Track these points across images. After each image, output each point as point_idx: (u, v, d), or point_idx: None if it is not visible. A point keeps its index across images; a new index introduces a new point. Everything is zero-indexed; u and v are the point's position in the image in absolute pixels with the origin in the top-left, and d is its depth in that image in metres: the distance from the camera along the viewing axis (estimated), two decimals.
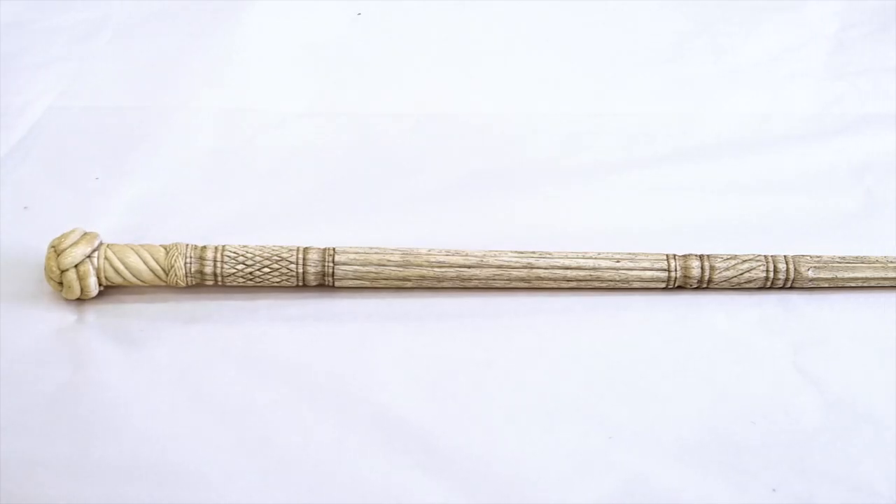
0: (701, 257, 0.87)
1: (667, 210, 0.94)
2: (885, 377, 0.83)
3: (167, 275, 0.83)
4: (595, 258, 0.86)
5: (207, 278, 0.83)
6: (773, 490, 0.75)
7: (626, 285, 0.86)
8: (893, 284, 0.88)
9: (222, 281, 0.84)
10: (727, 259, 0.87)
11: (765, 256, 0.87)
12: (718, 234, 0.92)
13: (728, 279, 0.87)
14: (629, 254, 0.86)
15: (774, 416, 0.79)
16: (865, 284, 0.88)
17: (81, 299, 0.83)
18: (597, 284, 0.86)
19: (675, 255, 0.87)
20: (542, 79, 1.06)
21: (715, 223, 0.94)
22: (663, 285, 0.87)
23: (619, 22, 1.13)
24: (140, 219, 0.91)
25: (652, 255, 0.87)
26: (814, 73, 1.09)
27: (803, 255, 0.88)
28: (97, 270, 0.82)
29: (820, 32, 1.13)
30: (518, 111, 1.02)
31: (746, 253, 0.88)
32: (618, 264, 0.86)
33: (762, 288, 0.88)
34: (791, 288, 0.88)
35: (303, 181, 0.95)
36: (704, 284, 0.87)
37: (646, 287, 0.87)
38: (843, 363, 0.83)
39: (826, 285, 0.88)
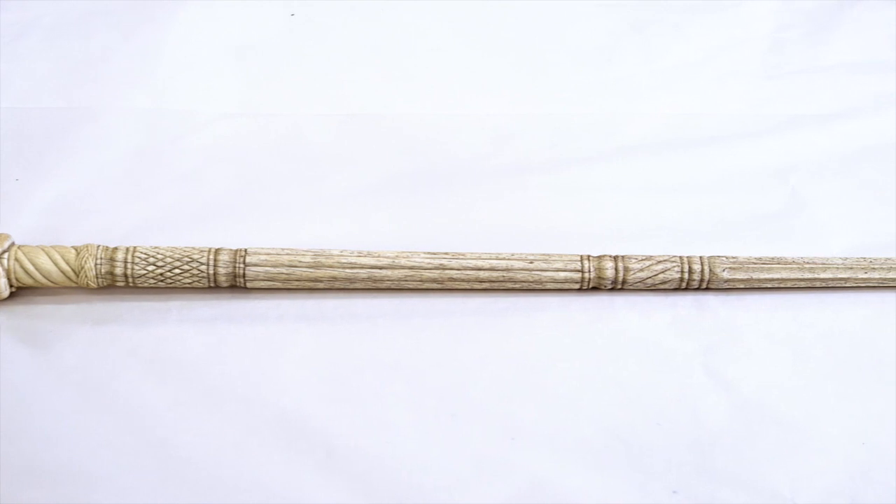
0: (615, 258, 0.87)
1: (588, 211, 0.94)
2: (795, 379, 0.82)
3: (78, 276, 0.83)
4: (508, 259, 0.86)
5: (118, 280, 0.83)
6: (674, 492, 0.75)
7: (539, 286, 0.86)
8: (809, 286, 0.88)
9: (133, 282, 0.83)
10: (642, 260, 0.87)
11: (680, 257, 0.87)
12: (640, 235, 0.92)
13: (642, 280, 0.87)
14: (543, 255, 0.86)
15: (680, 418, 0.79)
16: (781, 285, 0.88)
17: None
18: (510, 286, 0.86)
19: (589, 257, 0.86)
20: (468, 79, 1.06)
21: (636, 224, 0.94)
22: (577, 286, 0.86)
23: (550, 22, 1.13)
24: (59, 220, 0.91)
25: (566, 256, 0.86)
26: (745, 74, 1.09)
27: (719, 257, 0.88)
28: (7, 272, 0.82)
29: (754, 33, 1.13)
30: (442, 112, 1.02)
31: (665, 254, 0.87)
32: (531, 265, 0.86)
33: (677, 289, 0.88)
34: (707, 289, 0.88)
35: (225, 182, 0.95)
36: (619, 285, 0.87)
37: (560, 288, 0.87)
38: (753, 365, 0.83)
39: (742, 286, 0.88)
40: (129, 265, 0.83)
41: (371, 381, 0.80)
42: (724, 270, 0.87)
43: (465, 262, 0.85)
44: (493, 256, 0.86)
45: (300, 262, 0.84)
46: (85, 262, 0.82)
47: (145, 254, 0.83)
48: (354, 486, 0.74)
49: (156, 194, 0.94)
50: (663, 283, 0.87)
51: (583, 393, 0.80)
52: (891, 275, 0.88)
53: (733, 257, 0.88)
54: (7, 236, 0.83)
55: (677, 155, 1.00)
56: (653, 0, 1.15)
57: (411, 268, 0.85)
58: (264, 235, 0.89)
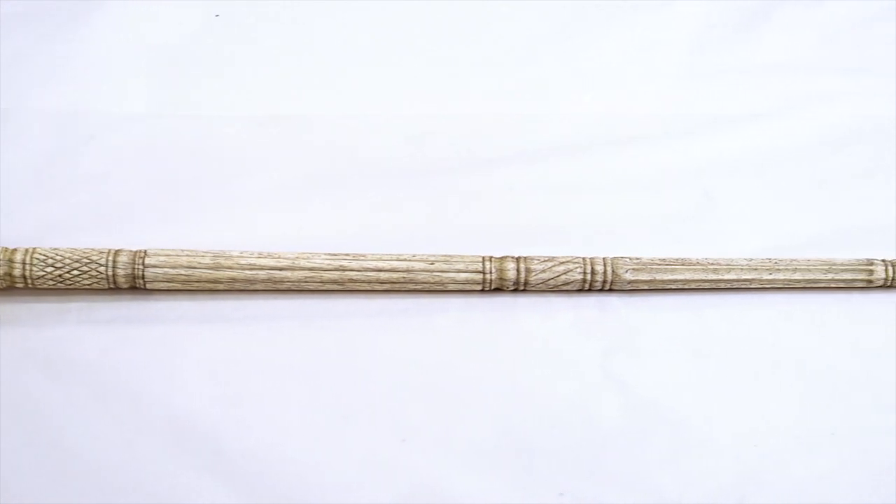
0: (518, 259, 0.86)
1: (500, 212, 0.94)
2: (693, 380, 0.82)
3: None
4: (409, 260, 0.85)
5: (17, 281, 0.83)
6: (561, 494, 0.75)
7: (441, 287, 0.86)
8: (713, 287, 0.88)
9: (32, 284, 0.83)
10: (544, 261, 0.87)
11: (583, 259, 0.87)
12: (551, 236, 0.92)
13: (545, 281, 0.86)
14: (444, 256, 0.86)
15: (574, 420, 0.79)
16: (685, 287, 0.88)
17: None
18: (411, 287, 0.86)
19: (491, 258, 0.86)
20: (383, 80, 1.06)
21: (546, 225, 0.93)
22: (479, 287, 0.86)
23: (470, 21, 1.12)
24: None
25: (467, 257, 0.86)
26: (666, 74, 1.08)
27: (622, 258, 0.87)
28: None
29: (677, 33, 1.12)
30: (356, 113, 1.02)
31: (571, 255, 0.87)
32: (432, 266, 0.86)
33: (581, 290, 0.87)
34: (610, 290, 0.88)
35: (135, 183, 0.95)
36: (521, 287, 0.86)
37: (462, 289, 0.86)
38: (651, 366, 0.83)
39: (646, 287, 0.88)
40: (27, 266, 0.83)
41: (266, 383, 0.80)
42: (627, 272, 0.87)
43: (365, 264, 0.85)
44: (394, 258, 0.86)
45: (199, 263, 0.84)
46: None
47: (44, 255, 0.83)
48: (242, 487, 0.74)
49: (65, 196, 0.93)
50: (566, 284, 0.87)
51: (478, 394, 0.80)
52: (796, 276, 0.88)
53: (637, 258, 0.88)
54: None
55: (591, 155, 0.99)
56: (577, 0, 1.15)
57: (311, 269, 0.85)
58: (175, 237, 0.88)
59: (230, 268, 0.84)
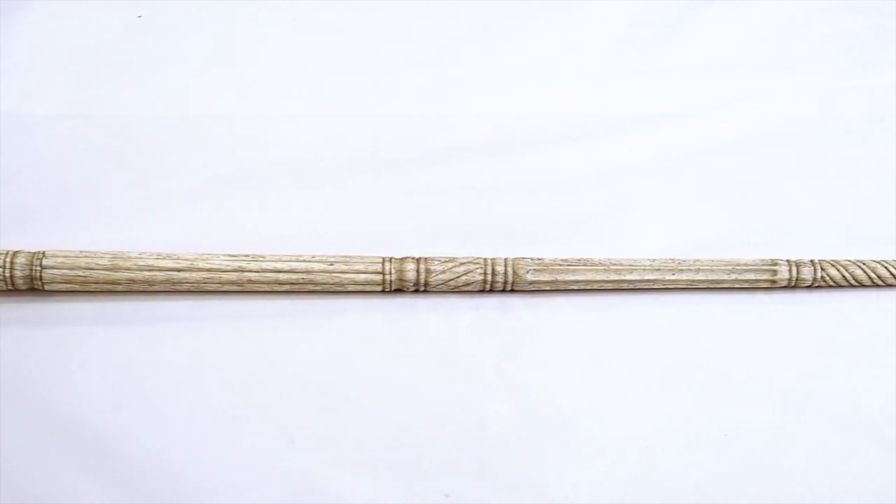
0: (418, 260, 0.86)
1: (410, 212, 0.94)
2: (589, 382, 0.82)
3: None
4: (308, 261, 0.85)
5: None
6: (446, 495, 0.75)
7: (341, 288, 0.86)
8: (616, 287, 0.88)
9: None
10: (444, 262, 0.86)
11: (484, 259, 0.87)
12: (459, 237, 0.92)
13: (445, 282, 0.86)
14: (344, 257, 0.86)
15: (465, 422, 0.79)
16: (588, 287, 0.88)
17: None
18: (311, 288, 0.86)
19: (391, 258, 0.86)
20: (295, 80, 1.05)
21: (455, 225, 0.93)
22: (380, 288, 0.86)
23: (391, 22, 1.11)
24: None
25: (367, 258, 0.86)
26: (586, 74, 1.08)
27: (524, 258, 0.87)
28: None
29: (602, 32, 1.12)
30: (268, 113, 1.01)
31: (472, 256, 0.87)
32: (331, 267, 0.85)
33: (483, 291, 0.87)
34: (512, 291, 0.87)
35: (47, 184, 0.94)
36: (422, 287, 0.86)
37: (362, 290, 0.86)
38: (548, 368, 0.83)
39: (547, 288, 0.87)
40: None
41: (159, 384, 0.80)
42: (528, 272, 0.87)
43: (264, 265, 0.85)
44: (293, 259, 0.85)
45: (97, 264, 0.84)
46: None
47: None
48: (123, 488, 0.74)
49: None
50: (466, 284, 0.87)
51: (372, 396, 0.80)
52: (699, 276, 0.88)
53: (539, 259, 0.87)
54: None
55: (504, 156, 0.99)
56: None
57: (209, 270, 0.84)
58: (86, 237, 0.88)
59: (128, 269, 0.84)
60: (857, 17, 1.15)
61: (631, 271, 0.88)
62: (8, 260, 0.83)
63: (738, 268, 0.88)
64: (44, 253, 0.84)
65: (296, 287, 0.86)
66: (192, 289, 0.85)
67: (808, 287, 0.89)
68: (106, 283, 0.84)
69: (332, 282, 0.86)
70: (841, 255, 0.90)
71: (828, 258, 0.90)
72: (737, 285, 0.89)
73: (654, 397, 0.82)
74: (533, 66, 1.09)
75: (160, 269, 0.84)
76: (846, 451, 0.79)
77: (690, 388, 0.82)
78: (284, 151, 0.98)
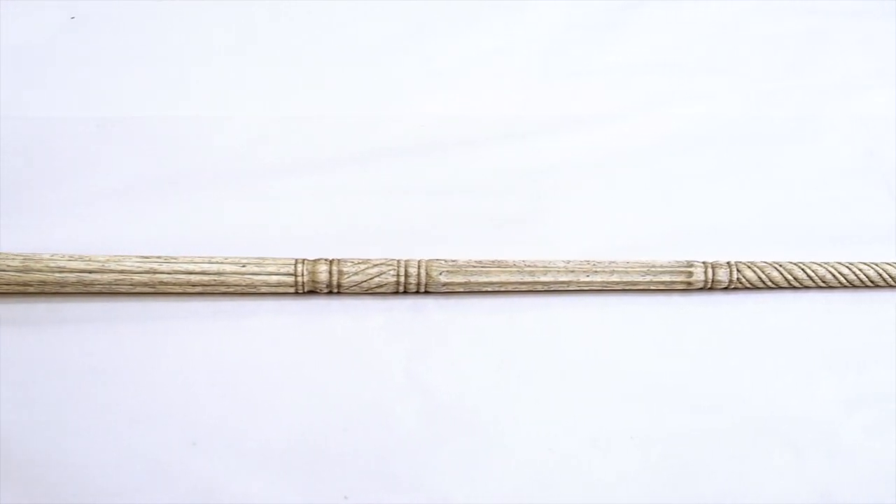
0: (330, 262, 0.86)
1: (325, 214, 0.94)
2: (498, 384, 0.82)
3: None
4: (221, 263, 0.85)
5: None
6: (345, 497, 0.75)
7: (254, 290, 0.86)
8: (530, 289, 0.88)
9: None
10: (357, 263, 0.86)
11: (397, 261, 0.87)
12: (378, 238, 0.92)
13: (358, 284, 0.86)
14: (256, 258, 0.86)
15: (370, 423, 0.79)
16: (502, 289, 0.88)
17: None
18: (223, 289, 0.86)
19: (304, 260, 0.86)
20: (228, 81, 1.05)
21: (375, 226, 0.93)
22: (292, 290, 0.86)
23: (319, 23, 1.11)
24: None
25: (280, 259, 0.86)
26: (515, 76, 1.08)
27: (437, 260, 0.87)
28: None
29: (539, 33, 1.12)
30: (200, 114, 1.01)
31: (385, 257, 0.87)
32: (243, 269, 0.85)
33: (397, 292, 0.87)
34: (427, 292, 0.87)
35: None
36: (335, 289, 0.86)
37: (274, 292, 0.86)
38: (457, 370, 0.83)
39: (461, 290, 0.87)
40: None
41: (67, 385, 0.80)
42: (441, 274, 0.87)
43: (175, 266, 0.85)
44: (206, 260, 0.85)
45: (9, 265, 0.84)
46: None
47: None
48: (30, 489, 0.74)
49: None
50: (379, 286, 0.87)
51: (278, 397, 0.80)
52: (613, 278, 0.88)
53: (453, 261, 0.87)
54: None
55: (425, 157, 0.99)
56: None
57: (121, 271, 0.84)
58: (7, 239, 0.88)
59: (40, 270, 0.84)
60: (787, 20, 1.14)
61: (545, 273, 0.87)
62: None
63: (653, 269, 0.88)
64: None
65: (208, 289, 0.86)
66: (103, 290, 0.85)
67: (725, 289, 0.89)
68: (17, 284, 0.84)
69: (244, 283, 0.86)
70: (766, 258, 0.90)
71: (745, 260, 0.89)
72: (652, 287, 0.88)
73: (565, 399, 0.81)
74: (460, 68, 1.09)
75: (72, 271, 0.84)
76: (755, 454, 0.79)
77: (602, 391, 0.82)
78: (198, 153, 0.98)
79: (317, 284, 0.86)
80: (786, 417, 0.81)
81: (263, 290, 0.86)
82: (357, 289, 0.87)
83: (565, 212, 0.95)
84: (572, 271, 0.88)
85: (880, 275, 0.89)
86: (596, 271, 0.88)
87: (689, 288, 0.89)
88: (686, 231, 0.94)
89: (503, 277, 0.87)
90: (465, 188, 0.97)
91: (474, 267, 0.87)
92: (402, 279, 0.86)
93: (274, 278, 0.86)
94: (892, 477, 0.78)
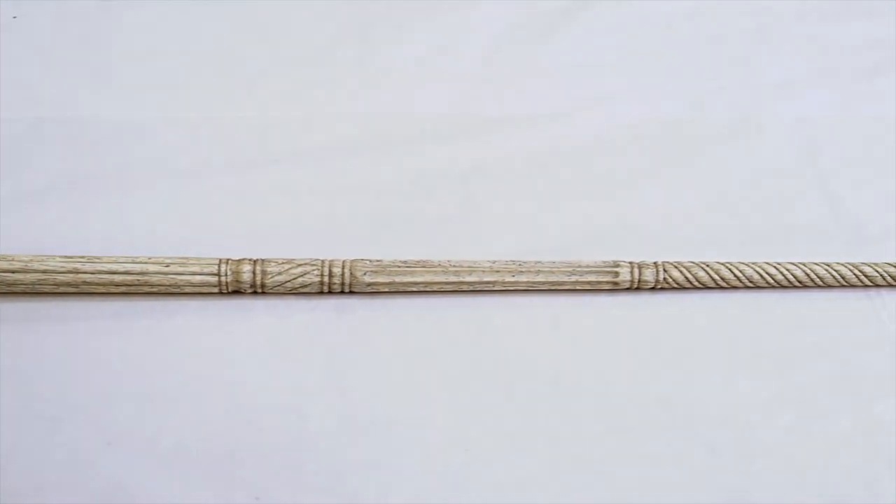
0: (255, 262, 0.86)
1: (249, 213, 0.93)
2: (418, 384, 0.82)
3: None
4: (144, 263, 0.85)
5: None
6: (257, 498, 0.75)
7: (177, 290, 0.86)
8: (456, 289, 0.88)
9: None
10: (281, 263, 0.86)
11: (322, 261, 0.87)
12: (305, 238, 0.91)
13: (282, 284, 0.86)
14: (180, 258, 0.86)
15: (285, 424, 0.79)
16: (427, 289, 0.88)
17: None
18: (147, 290, 0.86)
19: (227, 260, 0.86)
20: (160, 82, 1.05)
21: (303, 226, 0.93)
22: (216, 290, 0.86)
23: (257, 23, 1.11)
24: None
25: (204, 259, 0.86)
26: (458, 75, 1.07)
27: (361, 260, 0.87)
28: None
29: (480, 33, 1.11)
30: (115, 116, 1.01)
31: (309, 257, 0.87)
32: (167, 269, 0.86)
33: (322, 292, 0.87)
34: (352, 293, 0.87)
35: None
36: (259, 289, 0.86)
37: (199, 292, 0.86)
38: (380, 370, 0.83)
39: (386, 290, 0.87)
40: None
41: None
42: (365, 274, 0.87)
43: (99, 266, 0.85)
44: (129, 260, 0.86)
45: None
46: None
47: None
48: None
49: None
50: (303, 286, 0.87)
51: (196, 397, 0.80)
52: (539, 278, 0.88)
53: (378, 261, 0.87)
54: None
55: (359, 157, 0.99)
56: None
57: (44, 271, 0.85)
58: None
59: None
60: (725, 21, 1.14)
61: (470, 273, 0.87)
62: None
63: (578, 269, 0.88)
64: None
65: (132, 289, 0.86)
66: (27, 290, 0.85)
67: (652, 289, 0.89)
68: None
69: (167, 283, 0.86)
70: (697, 258, 0.90)
71: (676, 260, 0.89)
72: (578, 287, 0.88)
73: (485, 400, 0.81)
74: (396, 68, 1.08)
75: None
76: (671, 454, 0.79)
77: (524, 391, 0.82)
78: (124, 154, 0.97)
79: (241, 284, 0.86)
80: (705, 418, 0.81)
81: (187, 290, 0.86)
82: (281, 289, 0.87)
83: (495, 212, 0.95)
84: (497, 271, 0.88)
85: (807, 275, 0.89)
86: (521, 271, 0.88)
87: (615, 288, 0.89)
88: (618, 232, 0.94)
89: (428, 277, 0.87)
90: (393, 188, 0.96)
91: (399, 267, 0.87)
92: (326, 279, 0.86)
93: (197, 278, 0.86)
94: (807, 478, 0.78)
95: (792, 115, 1.04)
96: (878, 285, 0.90)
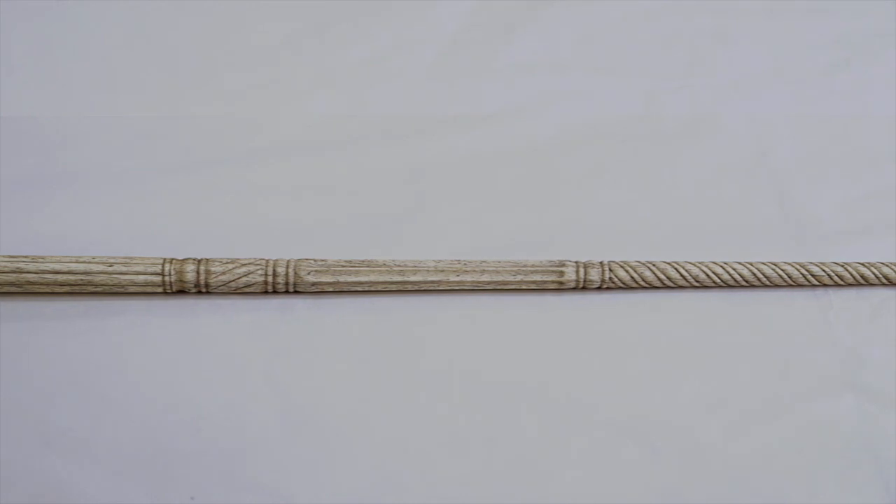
0: (199, 262, 0.86)
1: (197, 214, 0.93)
2: (361, 384, 0.82)
3: None
4: (88, 262, 0.85)
5: None
6: (192, 498, 0.75)
7: (121, 290, 0.86)
8: (400, 289, 0.88)
9: None
10: (225, 263, 0.86)
11: (266, 260, 0.87)
12: (252, 237, 0.91)
13: (226, 283, 0.86)
14: (124, 258, 0.86)
15: (223, 424, 0.79)
16: (372, 289, 0.87)
17: None
18: (91, 289, 0.86)
19: (171, 260, 0.86)
20: (105, 81, 1.04)
21: (251, 226, 0.93)
22: (160, 289, 0.86)
23: (206, 22, 1.10)
24: None
25: (148, 259, 0.86)
26: (410, 75, 1.07)
27: (306, 260, 0.87)
28: None
29: (434, 33, 1.11)
30: (59, 114, 1.00)
31: (254, 257, 0.87)
32: (111, 269, 0.86)
33: (267, 292, 0.87)
34: (297, 292, 0.87)
35: None
36: (203, 289, 0.86)
37: (143, 291, 0.86)
38: (321, 370, 0.83)
39: (331, 289, 0.87)
40: None
41: None
42: (309, 274, 0.87)
43: (42, 266, 0.85)
44: (73, 260, 0.86)
45: None
46: None
47: None
48: None
49: None
50: (247, 286, 0.87)
51: (135, 397, 0.80)
52: (484, 278, 0.88)
53: (322, 260, 0.87)
54: None
55: (305, 157, 0.98)
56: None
57: None
58: None
59: None
60: (681, 20, 1.13)
61: (415, 272, 0.87)
62: None
63: (524, 269, 0.88)
64: None
65: (75, 288, 0.86)
66: None
67: (598, 289, 0.89)
68: None
69: (111, 283, 0.86)
70: (647, 258, 0.90)
71: (624, 260, 0.89)
72: (524, 287, 0.88)
73: (427, 400, 0.81)
74: (347, 68, 1.07)
75: None
76: (610, 455, 0.79)
77: (467, 391, 0.82)
78: (68, 153, 0.97)
79: (185, 284, 0.86)
80: (646, 418, 0.81)
81: (131, 289, 0.86)
82: (225, 288, 0.87)
83: (443, 211, 0.95)
84: (442, 271, 0.88)
85: (754, 274, 0.89)
86: (466, 271, 0.88)
87: (561, 288, 0.88)
88: (567, 231, 0.93)
89: (373, 277, 0.87)
90: (341, 188, 0.96)
91: (343, 267, 0.87)
92: (270, 279, 0.86)
93: (141, 278, 0.86)
94: (745, 478, 0.78)
95: (747, 114, 1.04)
96: (825, 285, 0.90)
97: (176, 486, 0.75)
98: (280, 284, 0.87)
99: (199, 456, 0.77)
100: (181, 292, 0.87)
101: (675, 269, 0.89)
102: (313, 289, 0.87)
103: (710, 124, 1.03)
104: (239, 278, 0.86)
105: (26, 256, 0.86)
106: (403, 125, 1.02)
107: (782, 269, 0.89)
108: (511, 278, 0.88)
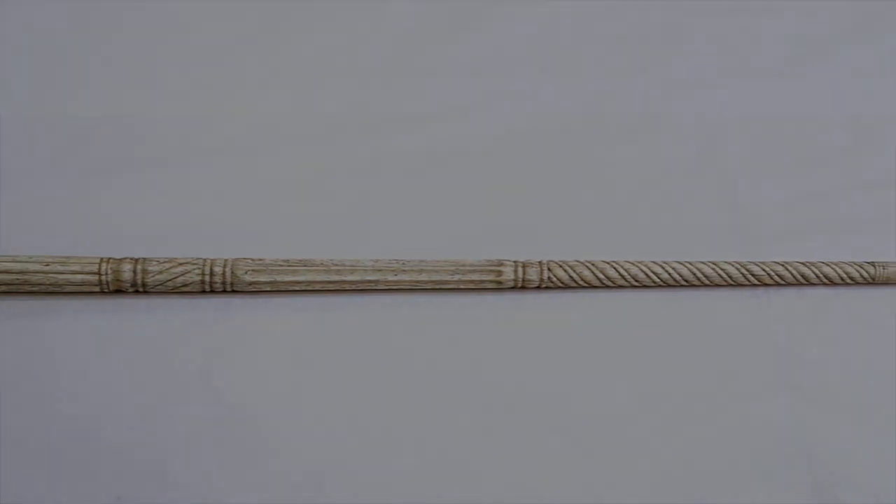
0: (136, 261, 0.86)
1: (136, 213, 0.93)
2: (296, 384, 0.83)
3: None
4: (24, 262, 0.85)
5: None
6: (118, 498, 0.75)
7: (59, 289, 0.86)
8: (338, 288, 0.88)
9: None
10: (162, 262, 0.86)
11: (203, 260, 0.87)
12: (193, 237, 0.91)
13: (163, 283, 0.86)
14: (61, 257, 0.86)
15: (155, 424, 0.79)
16: (309, 288, 0.87)
17: None
18: (27, 289, 0.86)
19: (109, 259, 0.86)
20: (46, 78, 1.03)
21: (188, 226, 0.92)
22: (98, 289, 0.86)
23: (161, 19, 1.10)
24: None
25: (85, 258, 0.86)
26: (358, 74, 1.06)
27: (243, 259, 0.87)
28: None
29: (382, 32, 1.10)
30: (12, 111, 1.00)
31: (191, 256, 0.87)
32: (47, 268, 0.86)
33: (205, 291, 0.87)
34: (234, 291, 0.87)
35: None
36: (140, 288, 0.86)
37: (80, 291, 0.86)
38: (255, 370, 0.83)
39: (268, 289, 0.87)
40: None
41: None
42: (246, 273, 0.87)
43: None
44: (9, 259, 0.86)
45: None
46: None
47: None
48: None
49: None
50: (185, 285, 0.87)
51: (64, 396, 0.80)
52: (422, 277, 0.88)
53: (259, 260, 0.87)
54: None
55: (245, 156, 0.98)
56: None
57: None
58: None
59: None
60: (631, 18, 1.13)
61: (352, 272, 0.87)
62: None
63: (461, 268, 0.88)
64: None
65: (12, 288, 0.86)
66: None
67: (537, 288, 0.89)
68: None
69: (48, 282, 0.86)
70: (590, 258, 0.90)
71: (558, 259, 0.89)
72: (462, 286, 0.88)
73: (364, 400, 0.82)
74: (293, 67, 1.06)
75: None
76: (540, 454, 0.79)
77: (401, 390, 0.82)
78: (5, 151, 0.96)
79: (122, 283, 0.86)
80: (578, 416, 0.81)
81: (68, 289, 0.86)
82: (162, 288, 0.87)
83: (384, 211, 0.94)
84: (380, 270, 0.88)
85: (694, 274, 0.89)
86: (404, 270, 0.88)
87: (500, 287, 0.88)
88: (507, 231, 0.93)
89: (310, 276, 0.87)
90: (279, 187, 0.96)
91: (281, 266, 0.87)
92: (207, 278, 0.86)
93: (78, 277, 0.86)
94: (676, 478, 0.78)
95: (693, 113, 1.04)
96: (765, 284, 0.90)
97: (104, 485, 0.75)
98: (217, 284, 0.87)
99: (129, 456, 0.77)
100: (118, 292, 0.87)
101: (615, 268, 0.89)
102: (250, 288, 0.87)
103: (656, 123, 1.03)
104: (176, 277, 0.86)
105: None
106: (344, 124, 1.01)
107: (722, 269, 0.89)
108: (449, 278, 0.88)
